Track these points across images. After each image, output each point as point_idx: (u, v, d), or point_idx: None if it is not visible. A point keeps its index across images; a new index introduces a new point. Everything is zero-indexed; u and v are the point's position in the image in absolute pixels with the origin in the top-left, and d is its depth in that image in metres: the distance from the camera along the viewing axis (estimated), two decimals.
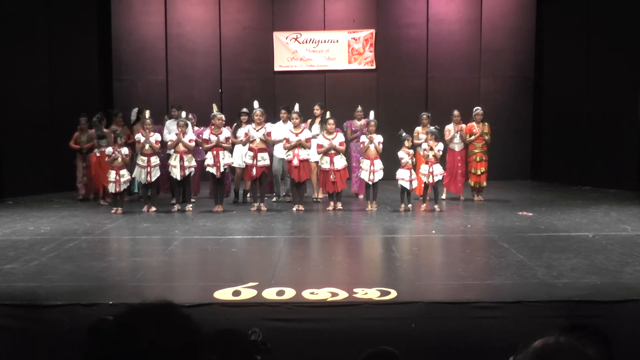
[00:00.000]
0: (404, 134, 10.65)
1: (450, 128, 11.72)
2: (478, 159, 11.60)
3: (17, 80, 12.75)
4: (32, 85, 13.08)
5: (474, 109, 11.84)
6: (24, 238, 8.35)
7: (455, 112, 11.79)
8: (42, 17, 13.38)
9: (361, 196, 11.74)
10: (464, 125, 11.72)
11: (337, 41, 15.31)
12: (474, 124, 11.67)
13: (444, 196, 11.70)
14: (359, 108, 12.07)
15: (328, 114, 11.05)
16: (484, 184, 11.70)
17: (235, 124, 11.49)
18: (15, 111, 12.68)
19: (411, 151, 10.53)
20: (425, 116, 11.72)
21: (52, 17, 13.52)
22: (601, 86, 13.31)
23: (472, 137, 11.62)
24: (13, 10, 12.68)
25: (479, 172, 11.60)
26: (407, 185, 10.44)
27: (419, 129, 11.55)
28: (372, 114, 11.22)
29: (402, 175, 10.47)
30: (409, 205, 10.50)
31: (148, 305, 1.75)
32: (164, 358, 1.66)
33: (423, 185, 10.71)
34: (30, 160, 12.60)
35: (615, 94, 13.01)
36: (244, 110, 11.56)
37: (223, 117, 10.86)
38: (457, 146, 11.69)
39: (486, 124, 11.71)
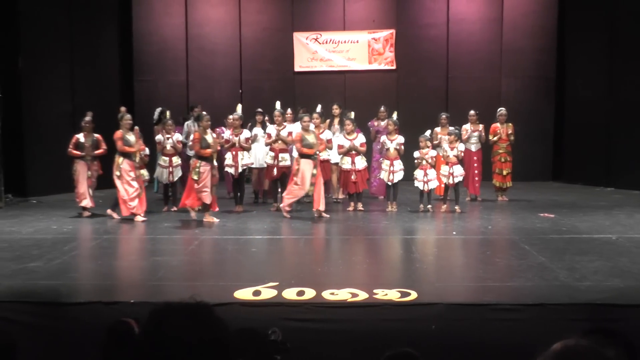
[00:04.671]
0: (427, 133, 10.66)
1: (467, 128, 11.66)
2: (503, 160, 11.55)
3: (40, 82, 12.88)
4: (55, 86, 13.22)
5: (498, 110, 11.81)
6: (47, 237, 8.43)
7: (472, 112, 11.74)
8: (64, 19, 13.51)
9: (381, 197, 11.72)
10: (481, 125, 11.67)
11: (357, 41, 15.30)
12: (497, 124, 11.62)
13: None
14: (382, 108, 12.06)
15: (352, 114, 11.05)
16: (509, 184, 11.67)
17: (250, 124, 11.53)
18: (38, 112, 12.82)
19: (427, 150, 10.45)
20: (444, 116, 11.68)
21: (73, 19, 13.65)
22: (624, 86, 13.18)
23: (495, 138, 11.58)
24: (35, 13, 12.80)
25: (504, 173, 11.56)
26: (420, 185, 10.41)
27: (438, 129, 11.51)
28: (394, 115, 11.21)
29: (417, 176, 10.45)
30: (429, 206, 10.46)
31: (185, 305, 1.78)
32: (192, 358, 1.69)
33: (443, 186, 10.67)
34: (54, 161, 12.70)
35: (639, 93, 12.86)
36: (259, 110, 11.62)
37: (239, 117, 10.84)
38: (473, 146, 11.62)
39: (510, 124, 11.66)
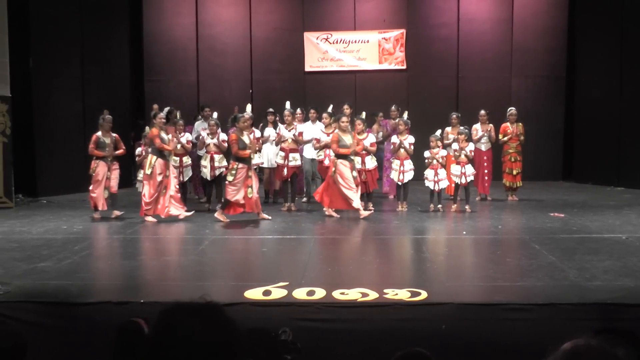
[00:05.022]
0: (437, 133, 10.65)
1: (477, 127, 11.64)
2: (513, 159, 11.52)
3: (51, 82, 12.95)
4: (65, 86, 13.27)
5: (508, 110, 11.78)
6: (57, 237, 8.47)
7: (482, 112, 11.71)
8: (75, 19, 13.57)
9: (392, 197, 11.71)
10: (491, 125, 11.65)
11: (368, 41, 15.30)
12: (508, 124, 11.59)
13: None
14: (393, 107, 12.07)
15: (364, 114, 11.05)
16: (520, 184, 11.65)
17: (261, 124, 11.54)
18: (48, 112, 12.88)
19: (438, 150, 10.43)
20: (455, 116, 11.66)
21: (84, 19, 13.70)
22: (634, 85, 13.13)
23: (506, 138, 11.55)
24: (46, 13, 12.87)
25: (514, 172, 11.54)
26: (431, 185, 10.39)
27: (448, 129, 11.49)
28: (405, 114, 11.22)
29: (427, 175, 10.43)
30: (439, 206, 10.44)
31: (195, 305, 1.79)
32: (202, 358, 1.70)
33: (454, 185, 10.65)
34: (64, 161, 12.78)
35: None
36: (270, 110, 11.62)
37: (250, 116, 10.84)
38: (483, 146, 11.59)
39: (520, 124, 11.63)
